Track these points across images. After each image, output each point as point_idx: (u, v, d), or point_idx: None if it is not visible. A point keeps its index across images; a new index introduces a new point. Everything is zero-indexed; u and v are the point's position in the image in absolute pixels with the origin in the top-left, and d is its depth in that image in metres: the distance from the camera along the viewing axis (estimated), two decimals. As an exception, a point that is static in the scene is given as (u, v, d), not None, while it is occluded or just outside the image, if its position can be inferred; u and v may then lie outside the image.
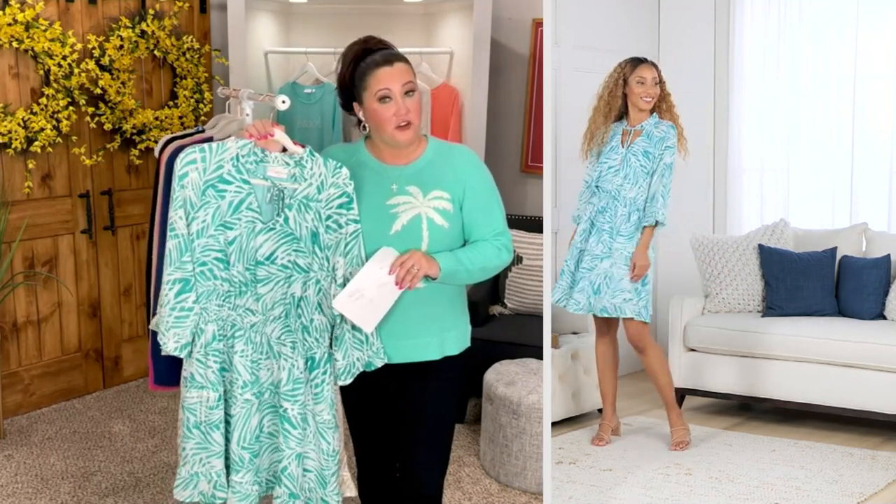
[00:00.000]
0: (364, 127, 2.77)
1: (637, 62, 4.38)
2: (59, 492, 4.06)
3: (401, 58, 2.72)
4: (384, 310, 2.65)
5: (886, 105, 5.15)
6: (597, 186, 4.40)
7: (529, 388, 4.11)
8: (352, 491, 2.95)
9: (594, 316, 4.45)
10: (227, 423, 2.73)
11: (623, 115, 4.42)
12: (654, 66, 4.38)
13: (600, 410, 4.83)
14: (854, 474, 4.19)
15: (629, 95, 4.37)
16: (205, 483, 2.74)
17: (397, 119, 2.67)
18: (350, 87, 2.75)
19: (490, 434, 4.22)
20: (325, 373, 2.74)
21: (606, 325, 4.47)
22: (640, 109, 4.37)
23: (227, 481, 2.74)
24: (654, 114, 4.38)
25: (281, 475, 2.73)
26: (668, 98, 4.40)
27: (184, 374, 2.73)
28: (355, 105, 2.76)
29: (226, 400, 2.72)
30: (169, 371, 3.17)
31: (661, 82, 4.38)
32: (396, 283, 2.63)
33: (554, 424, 4.43)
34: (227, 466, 2.74)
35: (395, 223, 2.71)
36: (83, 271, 5.14)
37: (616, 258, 4.32)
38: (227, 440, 2.73)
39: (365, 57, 2.71)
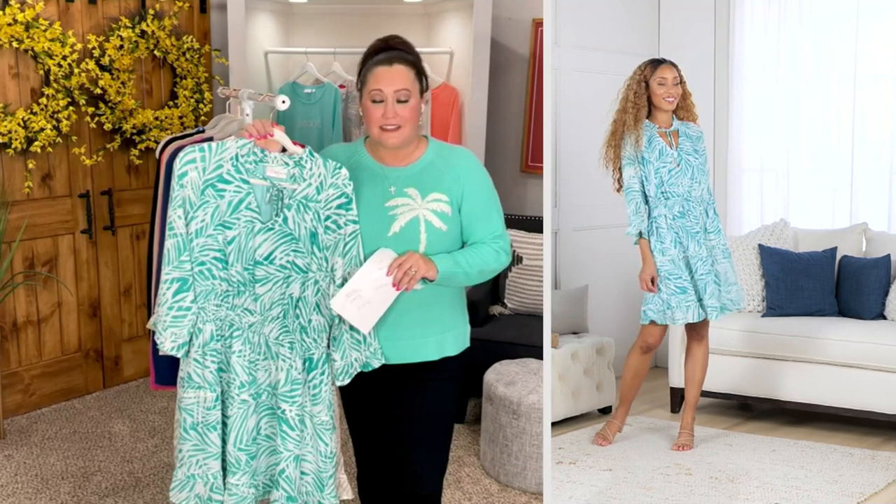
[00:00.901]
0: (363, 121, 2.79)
1: (657, 63, 4.35)
2: (59, 492, 4.06)
3: (406, 61, 2.71)
4: (381, 311, 2.65)
5: (886, 105, 5.14)
6: (662, 192, 4.28)
7: (529, 388, 4.11)
8: (348, 493, 2.95)
9: (656, 328, 4.33)
10: (224, 424, 2.72)
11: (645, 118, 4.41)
12: (674, 66, 4.36)
13: (601, 410, 4.83)
14: (854, 474, 4.19)
15: (652, 97, 4.33)
16: (201, 485, 2.72)
17: (384, 121, 2.66)
18: (360, 81, 2.76)
19: (490, 434, 4.21)
20: (322, 374, 2.73)
21: (657, 339, 4.40)
22: (663, 110, 4.34)
23: (224, 483, 2.73)
24: (674, 115, 4.37)
25: (279, 478, 2.72)
26: (688, 98, 4.38)
27: (181, 374, 2.73)
28: (357, 98, 2.78)
29: (223, 401, 2.71)
30: (170, 371, 3.17)
31: (682, 82, 4.36)
32: (394, 285, 2.63)
33: (554, 424, 4.42)
34: (224, 468, 2.73)
35: (393, 225, 2.71)
36: (83, 271, 5.14)
37: (717, 255, 4.32)
38: (224, 442, 2.72)
39: (378, 54, 2.72)
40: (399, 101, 2.67)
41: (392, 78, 2.67)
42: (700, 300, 4.30)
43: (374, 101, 2.67)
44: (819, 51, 5.27)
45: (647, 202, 4.32)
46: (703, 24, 5.49)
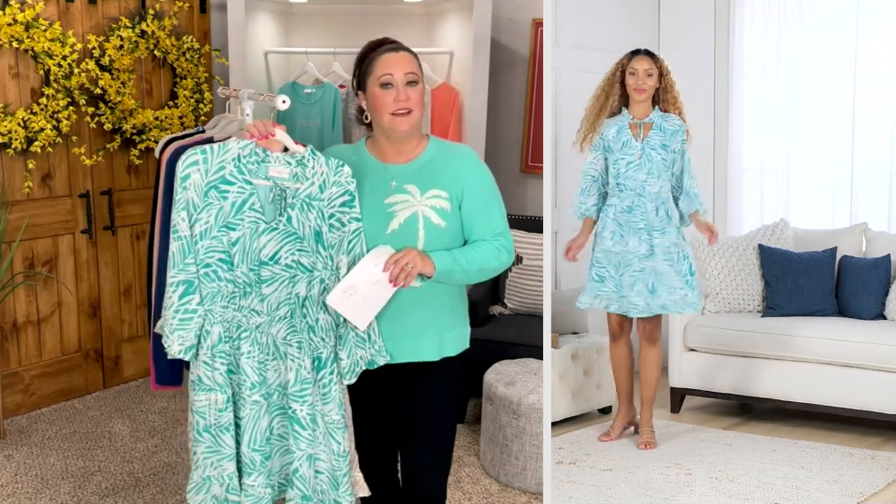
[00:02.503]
0: (366, 117, 2.77)
1: (634, 54, 4.36)
2: (59, 492, 4.06)
3: (409, 50, 2.75)
4: (378, 307, 2.65)
5: (886, 105, 5.14)
6: (617, 184, 4.33)
7: (529, 388, 4.11)
8: (365, 491, 2.93)
9: (613, 317, 4.45)
10: (237, 425, 2.71)
11: (623, 107, 4.41)
12: (652, 57, 4.34)
13: (601, 410, 4.84)
14: (854, 474, 4.19)
15: (626, 87, 4.36)
16: (217, 487, 2.72)
17: (396, 105, 2.67)
18: (358, 76, 2.77)
19: (490, 434, 4.21)
20: (332, 372, 2.73)
21: (621, 328, 4.46)
22: (636, 101, 4.35)
23: (240, 484, 2.73)
24: (657, 106, 4.36)
25: (293, 477, 2.72)
26: (670, 90, 4.34)
27: (191, 377, 2.72)
28: (360, 95, 2.77)
29: (234, 402, 2.71)
30: (170, 371, 3.17)
31: (662, 74, 4.34)
32: (390, 281, 2.63)
33: (554, 424, 4.42)
34: (239, 469, 2.73)
35: (391, 222, 2.71)
36: (83, 271, 5.14)
37: (658, 255, 4.30)
38: (238, 443, 2.72)
39: (376, 49, 2.75)
40: (409, 84, 2.69)
41: (401, 62, 2.70)
42: (623, 295, 4.34)
43: (383, 87, 2.68)
44: (819, 51, 5.27)
45: (605, 188, 4.40)
46: (703, 24, 5.49)
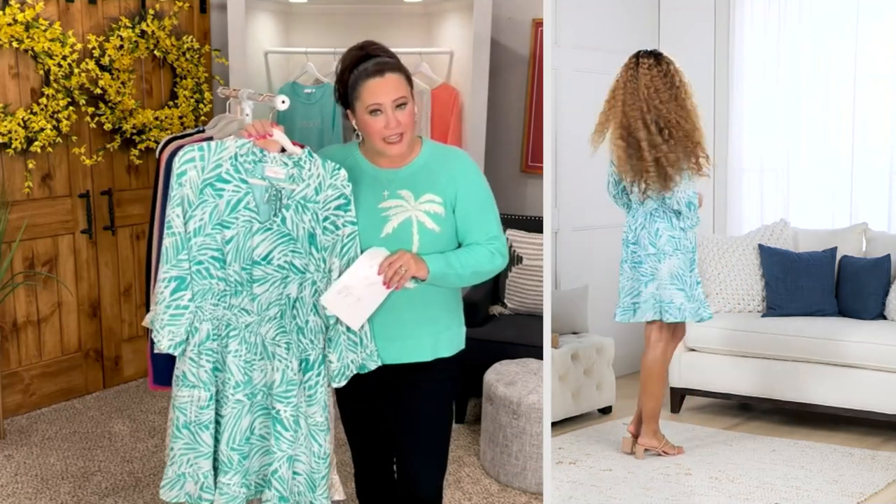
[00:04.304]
0: (358, 135, 2.76)
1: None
2: (59, 492, 4.06)
3: (394, 67, 2.66)
4: (371, 309, 2.66)
5: (886, 105, 5.15)
6: None
7: (529, 388, 4.11)
8: (340, 495, 2.94)
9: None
10: (218, 423, 2.72)
11: None
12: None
13: (601, 410, 4.83)
14: (854, 474, 4.19)
15: None
16: (191, 484, 2.73)
17: (387, 132, 2.64)
18: (345, 93, 2.72)
19: (490, 434, 4.21)
20: (318, 374, 2.73)
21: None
22: None
23: (215, 482, 2.73)
24: None
25: (271, 478, 2.73)
26: None
27: (176, 372, 2.73)
28: (349, 112, 2.73)
29: (217, 400, 2.71)
30: (168, 371, 3.16)
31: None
32: (384, 283, 2.63)
33: (554, 424, 4.42)
34: (215, 468, 2.73)
35: (385, 226, 2.70)
36: (83, 271, 5.15)
37: None
38: (217, 441, 2.72)
39: (360, 64, 2.67)
40: (398, 107, 2.65)
41: (388, 88, 2.63)
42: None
43: (372, 114, 2.64)
44: (819, 51, 5.27)
45: None
46: (703, 24, 5.50)
